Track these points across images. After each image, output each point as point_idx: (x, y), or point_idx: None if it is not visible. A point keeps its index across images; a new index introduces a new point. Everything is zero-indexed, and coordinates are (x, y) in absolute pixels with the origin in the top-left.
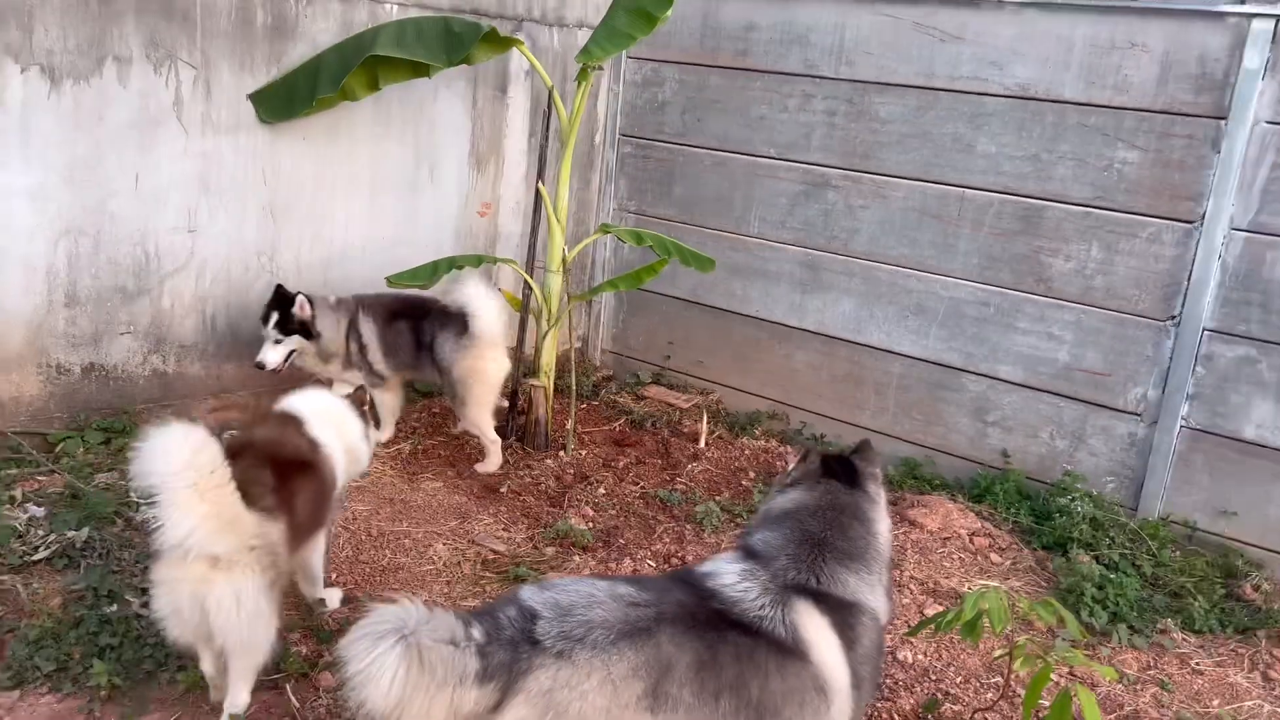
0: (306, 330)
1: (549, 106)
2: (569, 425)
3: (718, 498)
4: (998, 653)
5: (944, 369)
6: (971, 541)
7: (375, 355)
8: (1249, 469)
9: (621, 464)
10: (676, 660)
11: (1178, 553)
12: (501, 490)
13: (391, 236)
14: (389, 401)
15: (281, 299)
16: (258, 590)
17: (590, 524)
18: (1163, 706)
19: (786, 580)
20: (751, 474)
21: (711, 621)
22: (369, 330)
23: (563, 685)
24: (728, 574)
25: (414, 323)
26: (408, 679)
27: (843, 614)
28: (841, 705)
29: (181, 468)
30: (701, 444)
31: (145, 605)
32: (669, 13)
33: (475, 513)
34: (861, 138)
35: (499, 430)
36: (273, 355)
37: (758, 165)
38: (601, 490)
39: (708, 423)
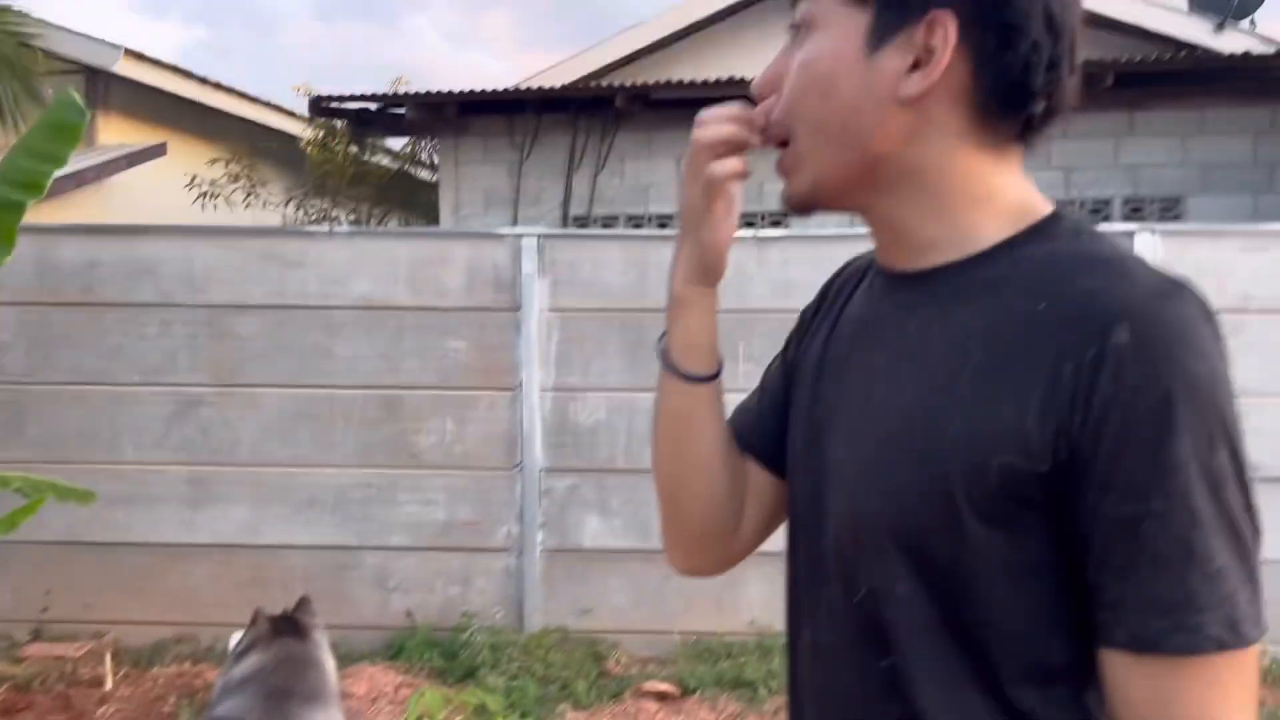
0: None
1: None
2: None
3: None
4: None
5: (343, 550)
6: (397, 694)
7: None
8: (593, 572)
9: None
10: None
11: (560, 654)
12: None
13: None
14: None
15: None
16: None
17: None
18: None
19: None
20: (171, 699)
21: None
22: None
23: None
24: None
25: None
26: None
27: None
28: None
29: None
30: (108, 686)
31: None
32: (8, 259)
33: None
34: (228, 355)
35: None
36: None
37: (124, 394)
38: None
39: (111, 663)
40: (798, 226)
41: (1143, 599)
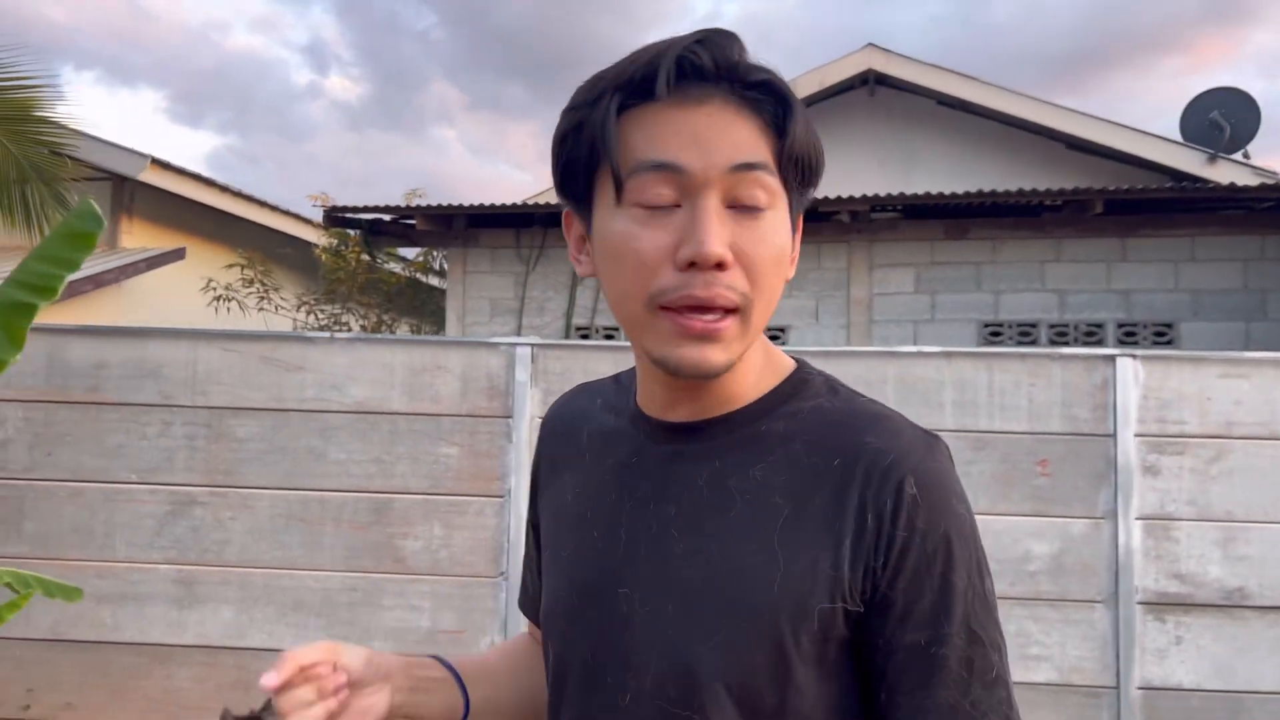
0: None
1: None
2: None
3: None
4: None
5: None
6: None
7: None
8: None
9: None
10: None
11: None
12: None
13: None
14: None
15: None
16: None
17: None
18: None
19: None
20: None
21: None
22: None
23: None
24: None
25: None
26: None
27: None
28: None
29: None
30: None
31: None
32: (18, 356)
33: None
34: (223, 457)
35: None
36: None
37: (119, 491)
38: None
39: None
40: None
41: (936, 708)
